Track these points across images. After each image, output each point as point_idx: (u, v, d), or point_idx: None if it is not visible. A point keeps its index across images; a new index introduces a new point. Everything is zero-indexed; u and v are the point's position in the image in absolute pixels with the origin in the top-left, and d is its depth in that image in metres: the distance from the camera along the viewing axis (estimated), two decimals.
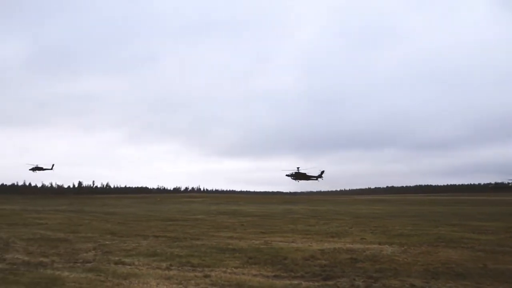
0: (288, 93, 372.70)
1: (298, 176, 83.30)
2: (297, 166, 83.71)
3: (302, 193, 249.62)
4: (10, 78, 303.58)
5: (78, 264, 14.21)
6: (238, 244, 19.44)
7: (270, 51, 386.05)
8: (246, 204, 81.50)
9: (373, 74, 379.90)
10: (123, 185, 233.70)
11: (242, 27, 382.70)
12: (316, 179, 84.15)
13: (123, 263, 14.38)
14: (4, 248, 17.91)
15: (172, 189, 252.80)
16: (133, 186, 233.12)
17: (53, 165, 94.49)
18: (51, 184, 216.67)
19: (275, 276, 12.51)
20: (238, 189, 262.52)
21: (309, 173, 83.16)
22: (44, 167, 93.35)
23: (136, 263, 14.46)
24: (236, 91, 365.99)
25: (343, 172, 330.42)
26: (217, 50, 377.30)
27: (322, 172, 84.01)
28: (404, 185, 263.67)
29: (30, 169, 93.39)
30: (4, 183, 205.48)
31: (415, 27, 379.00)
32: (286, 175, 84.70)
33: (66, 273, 12.70)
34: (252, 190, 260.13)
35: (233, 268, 13.51)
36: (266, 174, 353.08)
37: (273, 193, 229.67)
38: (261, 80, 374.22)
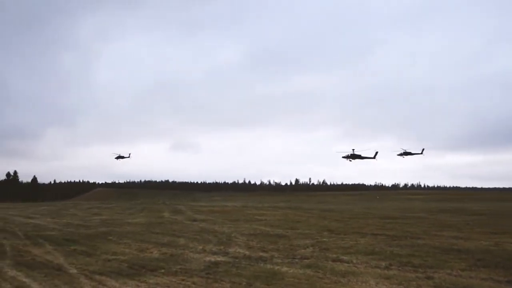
0: None
1: (353, 156, 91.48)
2: (352, 148, 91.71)
3: None
4: (228, 80, 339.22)
5: (296, 260, 15.22)
6: (464, 244, 18.58)
7: (504, 30, 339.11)
8: (471, 201, 75.70)
9: None
10: (339, 182, 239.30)
11: (470, 3, 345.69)
12: (374, 158, 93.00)
13: (341, 261, 14.86)
14: (227, 243, 20.33)
15: (390, 186, 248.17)
16: (350, 183, 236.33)
17: (129, 153, 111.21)
18: (269, 182, 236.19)
19: (508, 281, 11.76)
20: (462, 185, 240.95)
21: (364, 154, 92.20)
22: (125, 156, 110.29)
23: (354, 261, 14.78)
24: (462, 77, 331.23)
25: None
26: (439, 35, 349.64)
27: (376, 153, 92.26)
28: None
29: (115, 158, 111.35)
30: (226, 181, 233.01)
31: None
32: (342, 157, 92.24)
33: (285, 268, 13.72)
34: (479, 186, 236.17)
35: (458, 271, 13.05)
36: (497, 169, 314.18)
37: (505, 189, 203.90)
38: (492, 63, 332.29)
